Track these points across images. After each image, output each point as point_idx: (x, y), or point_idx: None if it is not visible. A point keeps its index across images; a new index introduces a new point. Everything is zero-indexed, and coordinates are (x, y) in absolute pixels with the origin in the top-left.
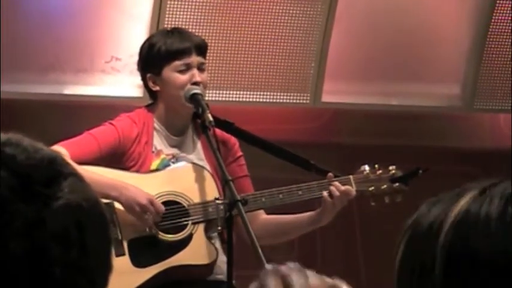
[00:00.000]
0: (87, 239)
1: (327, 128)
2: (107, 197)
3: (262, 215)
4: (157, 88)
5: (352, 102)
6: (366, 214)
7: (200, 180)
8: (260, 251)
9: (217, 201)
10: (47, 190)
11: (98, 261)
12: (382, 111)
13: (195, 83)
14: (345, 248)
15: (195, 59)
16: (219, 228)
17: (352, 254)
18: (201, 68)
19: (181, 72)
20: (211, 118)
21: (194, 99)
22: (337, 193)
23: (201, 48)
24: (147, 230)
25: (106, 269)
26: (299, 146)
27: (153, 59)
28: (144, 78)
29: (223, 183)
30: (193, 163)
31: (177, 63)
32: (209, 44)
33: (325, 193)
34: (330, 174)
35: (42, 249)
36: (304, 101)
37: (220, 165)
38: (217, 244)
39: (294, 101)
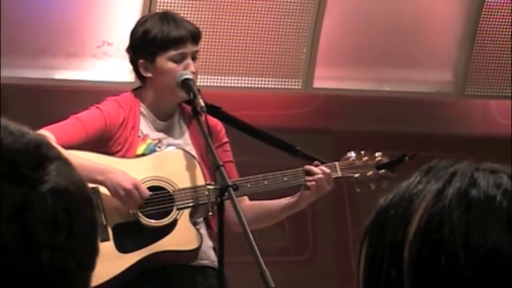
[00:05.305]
0: (75, 222)
1: (318, 114)
2: (92, 182)
3: (246, 201)
4: (149, 75)
5: (344, 88)
6: (357, 199)
7: (186, 166)
8: (251, 236)
9: (209, 187)
10: (34, 174)
11: (86, 244)
12: (374, 97)
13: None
14: (335, 234)
15: (190, 48)
16: (210, 214)
17: (343, 240)
18: (194, 56)
19: (175, 62)
20: (202, 103)
21: (185, 84)
22: (320, 175)
23: (196, 37)
24: (130, 213)
25: (93, 251)
26: (290, 131)
27: (147, 46)
28: (134, 63)
29: (214, 168)
30: (180, 149)
31: (173, 52)
32: (200, 29)
33: (309, 177)
34: (316, 162)
35: (30, 232)
36: (296, 87)
37: (211, 151)
38: (203, 229)
39: (286, 86)
